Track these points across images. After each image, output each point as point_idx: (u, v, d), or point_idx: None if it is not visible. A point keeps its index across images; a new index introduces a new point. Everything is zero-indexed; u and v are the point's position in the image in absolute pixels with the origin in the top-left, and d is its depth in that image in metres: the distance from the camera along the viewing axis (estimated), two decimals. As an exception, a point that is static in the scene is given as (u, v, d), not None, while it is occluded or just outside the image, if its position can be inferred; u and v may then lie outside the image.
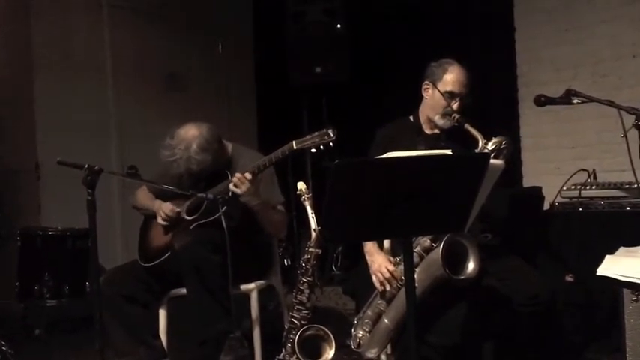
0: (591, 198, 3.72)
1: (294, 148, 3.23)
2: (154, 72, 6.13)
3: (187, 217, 3.47)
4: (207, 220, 3.35)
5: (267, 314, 3.93)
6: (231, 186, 3.30)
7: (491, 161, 2.44)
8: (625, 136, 3.10)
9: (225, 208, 3.24)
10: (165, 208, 3.50)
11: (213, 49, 6.53)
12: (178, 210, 3.50)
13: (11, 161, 5.23)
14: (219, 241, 3.22)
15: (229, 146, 3.65)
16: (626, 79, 4.73)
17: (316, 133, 3.21)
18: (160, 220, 3.51)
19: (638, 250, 2.89)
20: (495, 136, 2.97)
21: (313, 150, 3.24)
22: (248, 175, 3.28)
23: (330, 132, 3.18)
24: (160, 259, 3.43)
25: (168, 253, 3.41)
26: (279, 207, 3.59)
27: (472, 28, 5.27)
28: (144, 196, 3.72)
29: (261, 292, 3.60)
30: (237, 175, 3.29)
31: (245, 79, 6.90)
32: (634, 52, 4.70)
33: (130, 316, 3.44)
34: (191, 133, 3.42)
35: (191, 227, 3.42)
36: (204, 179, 3.45)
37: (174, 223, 3.50)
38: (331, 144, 3.20)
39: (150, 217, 3.65)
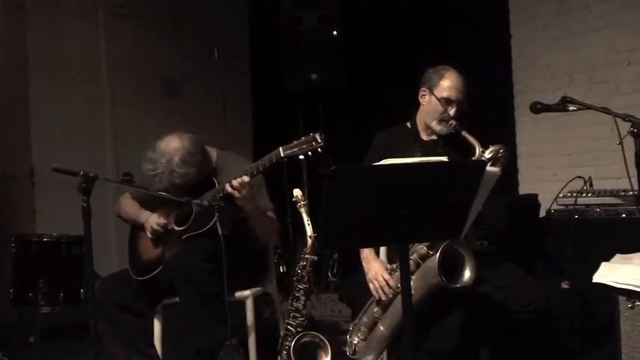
0: (587, 205, 3.72)
1: (282, 155, 3.14)
2: (150, 78, 6.12)
3: (177, 228, 3.41)
4: (200, 231, 3.29)
5: (263, 321, 3.92)
6: (228, 188, 3.22)
7: (488, 168, 2.44)
8: (621, 143, 3.10)
9: (217, 216, 3.20)
10: (152, 222, 3.44)
11: (209, 55, 6.51)
12: (165, 222, 3.44)
13: (6, 167, 5.21)
14: (211, 249, 3.19)
15: (214, 153, 3.57)
16: (621, 87, 4.73)
17: (303, 139, 3.13)
18: (148, 234, 3.47)
19: (634, 258, 2.89)
20: (493, 144, 2.97)
21: (300, 157, 3.16)
22: (246, 178, 3.20)
23: (318, 137, 3.10)
24: (152, 274, 3.39)
25: (161, 267, 3.37)
26: (269, 213, 3.53)
27: (468, 34, 5.28)
28: (129, 205, 3.64)
29: (257, 299, 3.59)
30: (238, 179, 3.21)
31: (241, 85, 6.88)
32: (629, 59, 4.71)
33: (125, 325, 3.43)
34: (172, 145, 3.31)
35: (183, 238, 3.36)
36: (189, 190, 3.35)
37: (162, 236, 3.45)
38: (319, 150, 3.12)
39: (136, 227, 3.59)
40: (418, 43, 5.51)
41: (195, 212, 3.30)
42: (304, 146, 3.12)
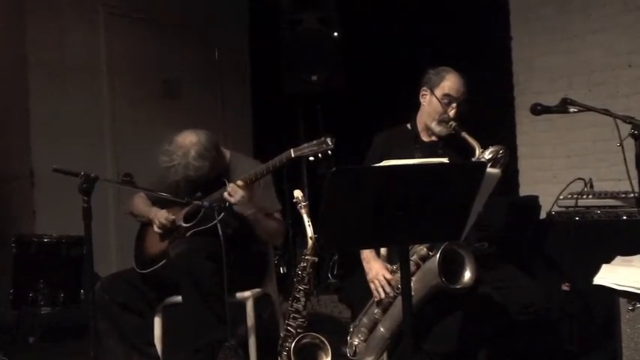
0: (588, 207, 3.72)
1: (292, 156, 3.23)
2: (150, 79, 6.12)
3: (184, 225, 3.46)
4: (204, 227, 3.33)
5: (263, 322, 3.91)
6: (225, 194, 3.30)
7: (488, 170, 2.44)
8: (621, 145, 3.10)
9: (221, 215, 3.23)
10: (160, 216, 3.50)
11: (209, 56, 6.53)
12: (173, 217, 3.49)
13: (6, 168, 5.21)
14: (215, 248, 3.20)
15: (227, 153, 3.65)
16: (621, 89, 4.73)
17: (314, 142, 3.21)
18: (155, 228, 3.51)
19: (634, 260, 2.89)
20: (492, 145, 2.97)
21: (310, 158, 3.22)
22: (240, 183, 3.29)
23: (329, 140, 3.19)
24: (155, 266, 3.42)
25: (164, 261, 3.39)
26: (277, 215, 3.58)
27: (468, 36, 5.28)
28: (141, 203, 3.70)
29: (257, 300, 3.59)
30: (231, 184, 3.30)
31: (241, 87, 6.89)
32: (629, 61, 4.71)
33: (125, 324, 3.43)
34: (189, 139, 3.41)
35: (187, 235, 3.40)
36: (201, 187, 3.44)
37: (169, 231, 3.49)
38: (329, 152, 3.20)
39: (146, 224, 3.64)
40: (418, 44, 5.51)
41: (203, 212, 3.34)
42: (315, 148, 3.21)
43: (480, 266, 2.94)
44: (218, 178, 3.45)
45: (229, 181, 3.38)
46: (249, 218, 3.41)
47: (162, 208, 3.56)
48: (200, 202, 3.27)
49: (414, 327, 2.45)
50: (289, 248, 5.65)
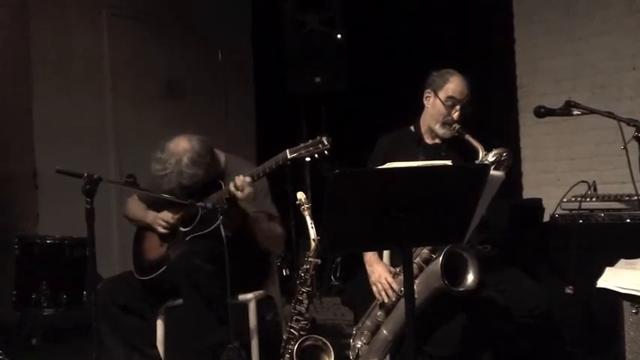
0: (591, 210, 3.70)
1: (289, 157, 3.18)
2: (153, 80, 6.13)
3: (182, 229, 3.42)
4: (205, 231, 3.30)
5: (265, 325, 3.91)
6: (231, 187, 3.23)
7: (492, 172, 2.44)
8: (625, 147, 3.09)
9: (222, 217, 3.21)
10: (164, 216, 3.46)
11: (212, 57, 6.52)
12: (178, 216, 3.46)
13: (9, 169, 5.21)
14: (215, 250, 3.18)
15: (222, 156, 3.58)
16: (625, 91, 4.73)
17: (310, 142, 3.17)
18: (160, 230, 3.47)
19: (638, 263, 2.89)
20: (496, 147, 2.96)
21: (308, 159, 3.19)
22: (248, 179, 3.23)
23: (325, 140, 3.15)
24: (156, 273, 3.39)
25: (165, 267, 3.37)
26: (276, 221, 3.53)
27: (472, 39, 5.28)
28: (135, 206, 3.65)
29: (260, 302, 3.58)
30: (240, 177, 3.23)
31: (244, 88, 6.90)
32: (633, 63, 4.71)
33: (127, 326, 3.41)
34: (182, 146, 3.33)
35: (187, 238, 3.38)
36: (198, 191, 3.38)
37: (174, 230, 3.47)
38: (326, 152, 3.17)
39: (142, 228, 3.59)
40: (421, 46, 5.51)
41: (200, 214, 3.31)
42: (311, 148, 3.17)
43: (482, 269, 2.93)
44: (214, 180, 3.40)
45: (225, 184, 3.34)
46: (250, 215, 3.35)
47: (158, 211, 3.51)
48: (203, 204, 3.24)
49: (416, 330, 2.44)
50: (292, 250, 5.65)
